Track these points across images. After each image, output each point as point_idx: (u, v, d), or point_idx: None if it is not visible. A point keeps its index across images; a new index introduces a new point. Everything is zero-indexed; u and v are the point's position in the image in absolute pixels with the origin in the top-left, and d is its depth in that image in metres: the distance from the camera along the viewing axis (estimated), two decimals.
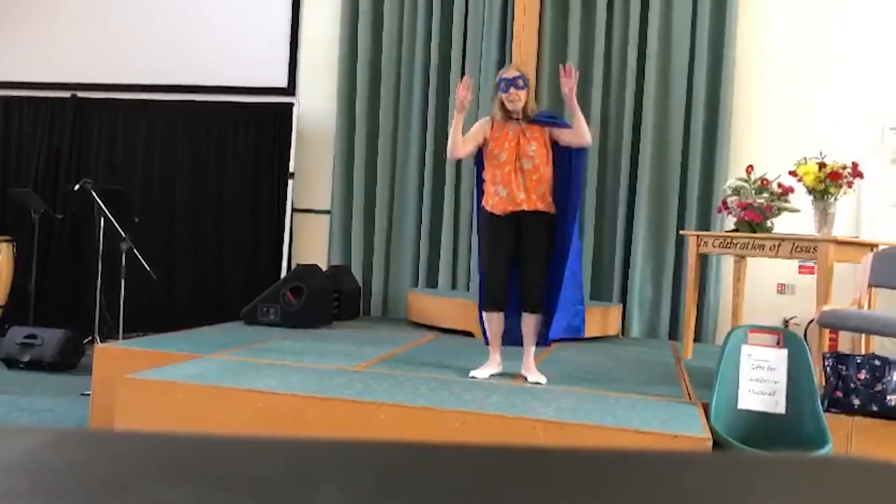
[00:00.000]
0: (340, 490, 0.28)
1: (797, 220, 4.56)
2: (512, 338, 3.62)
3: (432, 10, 6.00)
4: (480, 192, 3.59)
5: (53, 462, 0.35)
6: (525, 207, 3.43)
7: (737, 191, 4.35)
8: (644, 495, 0.33)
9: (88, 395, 3.79)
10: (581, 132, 3.41)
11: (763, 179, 4.28)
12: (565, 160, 3.51)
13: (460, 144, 3.47)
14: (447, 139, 5.86)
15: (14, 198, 5.85)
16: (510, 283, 3.53)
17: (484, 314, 3.56)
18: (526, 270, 3.47)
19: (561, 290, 3.50)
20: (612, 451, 0.36)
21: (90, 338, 5.10)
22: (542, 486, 0.30)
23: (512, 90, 3.42)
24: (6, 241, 5.67)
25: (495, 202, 3.48)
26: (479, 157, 3.61)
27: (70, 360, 4.91)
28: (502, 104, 3.46)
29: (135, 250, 4.95)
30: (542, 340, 3.56)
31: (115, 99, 6.43)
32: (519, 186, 3.42)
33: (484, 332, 3.68)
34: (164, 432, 0.37)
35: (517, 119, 3.47)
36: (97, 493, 0.32)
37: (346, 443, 0.34)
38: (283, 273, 5.77)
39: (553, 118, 3.57)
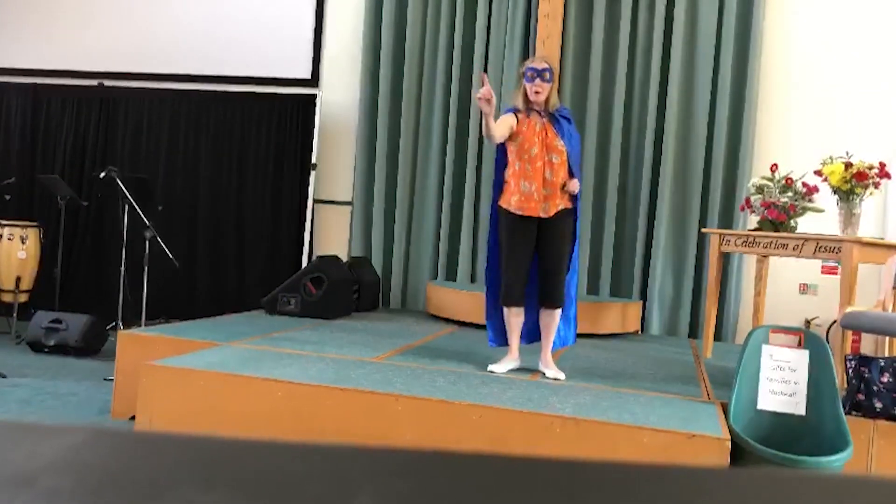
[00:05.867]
0: (375, 499, 0.29)
1: (821, 220, 4.51)
2: (530, 335, 3.62)
3: (456, 1, 5.99)
4: (498, 189, 3.54)
5: (93, 462, 0.36)
6: (543, 215, 3.41)
7: (760, 189, 4.30)
8: None
9: (111, 380, 3.85)
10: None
11: (787, 178, 4.23)
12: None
13: (497, 132, 3.36)
14: (468, 132, 5.94)
15: (42, 184, 5.93)
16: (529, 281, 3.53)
17: (504, 310, 3.55)
18: (547, 266, 3.46)
19: (574, 284, 3.51)
20: (643, 465, 0.36)
21: (113, 323, 5.17)
22: (573, 499, 0.31)
23: (538, 81, 3.40)
24: (33, 226, 5.75)
25: (517, 200, 3.42)
26: (500, 154, 3.56)
27: (94, 346, 4.98)
28: (525, 95, 3.44)
29: (158, 238, 5.00)
30: (561, 341, 3.57)
31: (140, 88, 6.49)
32: (545, 183, 3.38)
33: (490, 330, 3.66)
34: (200, 435, 0.38)
35: (538, 111, 3.45)
36: (136, 494, 0.33)
37: (379, 450, 0.35)
38: (304, 263, 5.81)
39: (571, 142, 3.48)
